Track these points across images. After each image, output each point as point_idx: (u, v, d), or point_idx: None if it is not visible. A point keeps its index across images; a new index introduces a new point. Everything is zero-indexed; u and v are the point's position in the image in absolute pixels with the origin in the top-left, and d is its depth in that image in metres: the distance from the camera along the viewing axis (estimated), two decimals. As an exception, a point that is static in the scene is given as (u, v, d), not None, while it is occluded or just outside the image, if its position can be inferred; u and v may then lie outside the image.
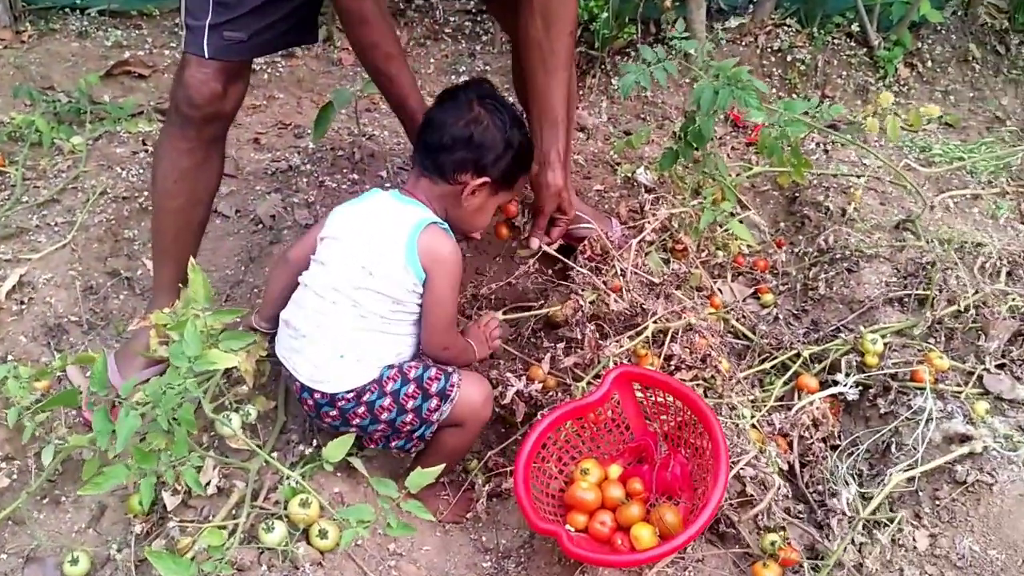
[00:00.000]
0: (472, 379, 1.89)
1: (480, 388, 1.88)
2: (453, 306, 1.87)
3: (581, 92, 3.59)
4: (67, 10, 3.81)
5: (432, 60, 3.80)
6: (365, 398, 1.78)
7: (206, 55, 1.94)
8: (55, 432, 1.99)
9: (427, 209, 1.84)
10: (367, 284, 1.76)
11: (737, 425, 1.94)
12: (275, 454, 1.93)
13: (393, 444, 1.90)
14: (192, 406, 1.63)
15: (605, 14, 3.48)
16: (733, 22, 3.72)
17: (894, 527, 1.78)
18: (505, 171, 1.87)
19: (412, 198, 1.86)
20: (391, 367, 1.81)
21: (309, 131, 3.16)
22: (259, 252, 2.69)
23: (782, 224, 2.85)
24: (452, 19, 3.95)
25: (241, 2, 1.93)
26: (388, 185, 2.88)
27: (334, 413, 1.81)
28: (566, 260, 2.21)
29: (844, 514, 1.79)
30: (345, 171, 3.06)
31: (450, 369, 1.87)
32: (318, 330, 1.78)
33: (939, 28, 3.71)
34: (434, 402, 1.82)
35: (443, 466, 1.67)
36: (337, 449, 1.69)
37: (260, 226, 2.83)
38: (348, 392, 1.78)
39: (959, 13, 3.73)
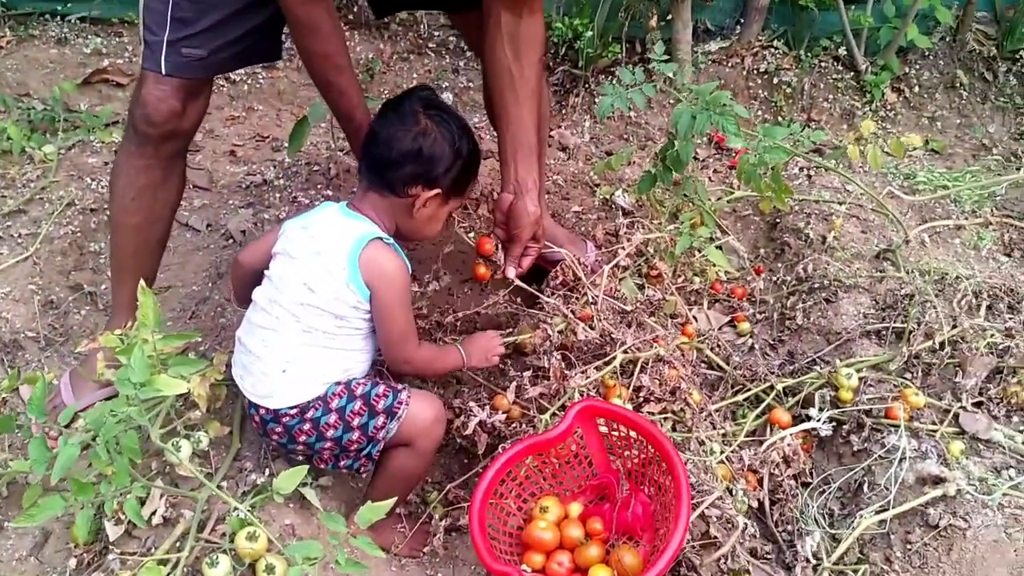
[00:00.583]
0: (422, 397, 1.85)
1: (430, 406, 1.84)
2: (405, 320, 1.82)
3: (564, 111, 3.55)
4: (47, 16, 3.75)
5: (415, 75, 3.75)
6: (309, 415, 1.75)
7: (163, 72, 1.89)
8: (-3, 457, 1.93)
9: (373, 224, 1.80)
10: (309, 300, 1.73)
11: (705, 462, 1.88)
12: (226, 482, 1.87)
13: (342, 463, 1.85)
14: (137, 434, 1.57)
15: (589, 33, 3.44)
16: (714, 46, 3.68)
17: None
18: (455, 180, 1.83)
19: (359, 213, 1.82)
20: (338, 383, 1.78)
21: (286, 144, 3.11)
22: (227, 268, 2.63)
23: (762, 251, 2.80)
24: (436, 34, 3.91)
25: (199, 18, 1.89)
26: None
27: (279, 430, 1.77)
28: (537, 292, 2.16)
29: (808, 561, 1.74)
30: (320, 186, 3.01)
31: (400, 387, 1.83)
32: (262, 345, 1.76)
33: (927, 54, 3.67)
34: (380, 419, 1.78)
35: (394, 500, 1.60)
36: (289, 479, 1.63)
37: (231, 241, 2.79)
38: (291, 408, 1.74)
39: (947, 39, 3.69)
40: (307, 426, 1.75)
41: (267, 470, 1.92)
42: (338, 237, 1.76)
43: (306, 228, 1.81)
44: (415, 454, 1.83)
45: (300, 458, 1.85)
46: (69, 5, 3.73)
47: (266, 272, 1.82)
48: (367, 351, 1.84)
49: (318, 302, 1.73)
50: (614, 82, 2.33)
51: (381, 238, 1.78)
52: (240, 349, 1.83)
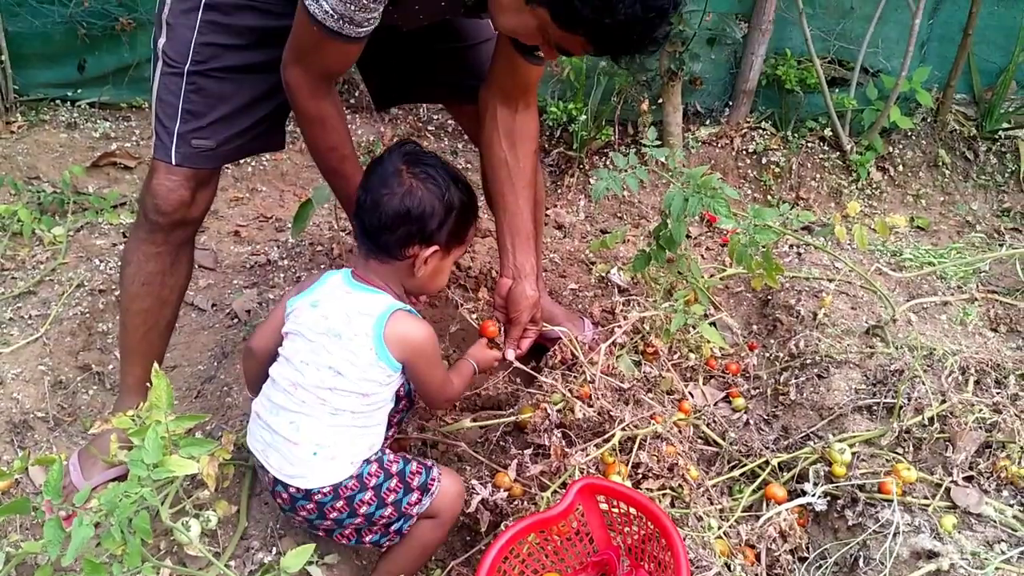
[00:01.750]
0: (448, 472, 1.92)
1: (455, 480, 1.91)
2: (442, 373, 1.87)
3: (559, 191, 3.65)
4: (58, 101, 3.89)
5: (415, 156, 3.85)
6: (345, 493, 1.75)
7: (174, 162, 1.96)
8: (8, 538, 1.95)
9: (383, 294, 1.79)
10: (336, 384, 1.72)
11: (703, 537, 1.92)
12: (234, 562, 1.90)
13: (367, 539, 1.86)
14: (149, 514, 1.60)
15: (583, 116, 3.57)
16: (704, 132, 3.81)
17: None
18: (452, 232, 1.81)
19: (365, 284, 1.80)
20: (369, 462, 1.78)
21: (290, 224, 3.20)
22: (232, 347, 2.69)
23: (755, 327, 2.87)
24: (435, 117, 4.04)
25: (209, 110, 1.97)
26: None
27: (310, 506, 1.76)
28: (535, 371, 2.22)
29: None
30: (323, 266, 3.08)
31: (429, 463, 1.88)
32: (292, 428, 1.74)
33: (909, 134, 3.80)
34: (415, 495, 1.82)
35: None
36: (296, 558, 1.66)
37: (235, 320, 2.84)
38: (325, 487, 1.74)
39: (928, 120, 3.83)
40: (340, 503, 1.76)
41: (274, 549, 1.95)
42: (356, 316, 1.74)
43: (316, 307, 1.79)
44: (440, 526, 1.89)
45: (320, 534, 1.86)
46: (79, 91, 3.88)
47: (280, 351, 1.82)
48: (386, 422, 1.85)
49: (346, 385, 1.72)
50: (608, 166, 2.43)
51: (400, 308, 1.77)
52: (260, 424, 1.81)
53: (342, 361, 1.72)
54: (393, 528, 1.84)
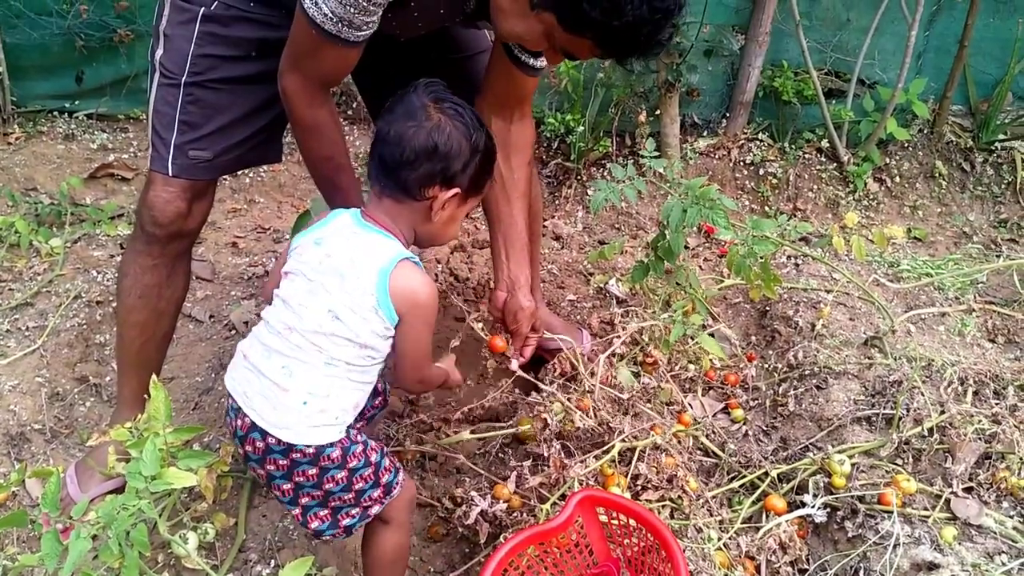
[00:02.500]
0: (407, 477, 1.82)
1: (411, 486, 1.82)
2: (428, 342, 1.74)
3: (557, 202, 3.65)
4: (55, 113, 3.89)
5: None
6: (323, 463, 1.64)
7: (170, 173, 1.96)
8: (5, 551, 1.94)
9: (393, 239, 1.68)
10: (334, 330, 1.61)
11: (703, 549, 1.91)
12: (232, 574, 1.89)
13: (312, 522, 1.71)
14: (146, 527, 1.60)
15: (581, 128, 3.57)
16: (701, 143, 3.82)
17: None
18: (474, 178, 1.70)
19: (375, 224, 1.69)
20: (353, 441, 1.68)
21: (287, 236, 3.20)
22: (230, 359, 2.67)
23: (753, 338, 2.87)
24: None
25: (206, 121, 1.96)
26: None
27: (283, 463, 1.63)
28: (537, 381, 2.22)
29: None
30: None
31: (399, 465, 1.80)
32: (282, 372, 1.61)
33: (906, 145, 3.82)
34: (378, 492, 1.72)
35: None
36: (294, 571, 1.65)
37: (233, 332, 2.84)
38: (308, 447, 1.62)
39: (925, 131, 3.84)
40: (313, 471, 1.64)
41: (272, 561, 1.94)
42: (361, 258, 1.64)
43: (320, 244, 1.68)
44: (399, 529, 1.80)
45: (272, 490, 1.73)
46: (77, 102, 3.88)
47: (277, 292, 1.70)
48: (373, 383, 1.75)
49: (344, 332, 1.61)
50: (606, 177, 2.43)
51: (408, 258, 1.67)
52: (246, 366, 1.68)
53: (341, 305, 1.62)
54: (344, 523, 1.72)
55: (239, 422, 1.66)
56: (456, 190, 1.67)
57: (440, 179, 1.65)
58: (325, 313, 1.61)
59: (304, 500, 1.69)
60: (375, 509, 1.73)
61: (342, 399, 1.66)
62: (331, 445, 1.64)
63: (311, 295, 1.63)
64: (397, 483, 1.76)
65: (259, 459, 1.66)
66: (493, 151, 1.76)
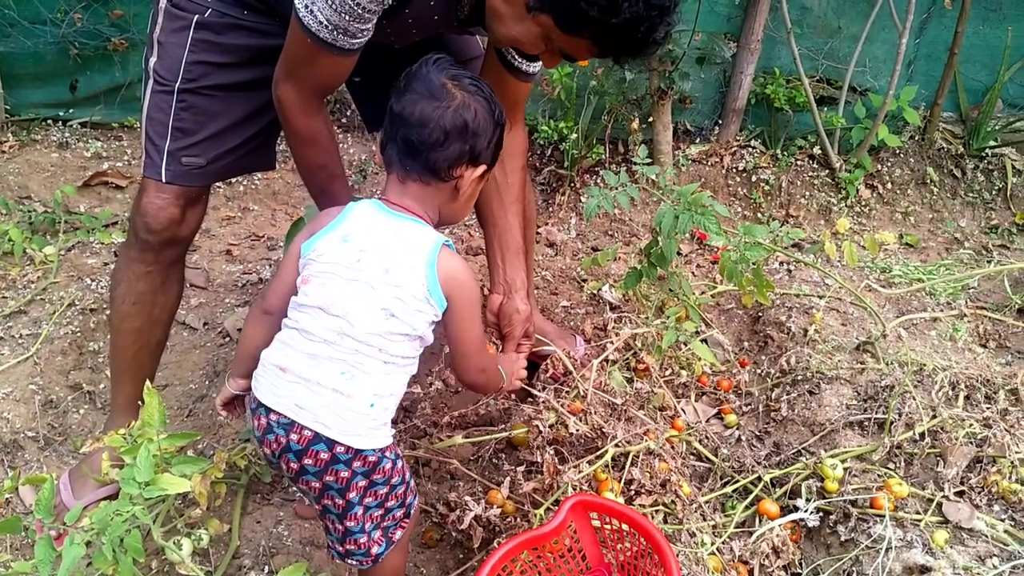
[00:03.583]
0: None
1: (418, 507, 1.80)
2: (480, 328, 1.71)
3: (551, 209, 3.66)
4: (49, 121, 3.89)
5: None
6: (375, 476, 1.59)
7: (164, 180, 1.97)
8: (-1, 557, 1.94)
9: (426, 225, 1.65)
10: (390, 327, 1.56)
11: (696, 554, 1.92)
12: (225, 581, 1.89)
13: (341, 546, 1.64)
14: (140, 533, 1.60)
15: (574, 135, 3.59)
16: (694, 150, 3.83)
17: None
18: (495, 152, 1.68)
19: (403, 211, 1.63)
20: (400, 458, 1.65)
21: (282, 243, 3.20)
22: (224, 366, 2.68)
23: (746, 343, 2.88)
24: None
25: (199, 128, 1.97)
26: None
27: (345, 474, 1.56)
28: (530, 388, 2.22)
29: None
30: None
31: (414, 484, 1.76)
32: (342, 378, 1.54)
33: (897, 152, 3.83)
34: (400, 512, 1.69)
35: None
36: (288, 577, 1.66)
37: (227, 339, 2.84)
38: (371, 453, 1.56)
39: (916, 138, 3.86)
40: (361, 481, 1.58)
41: (266, 567, 1.94)
42: (401, 249, 1.60)
43: (348, 240, 1.61)
44: (400, 551, 1.76)
45: (317, 506, 1.64)
46: (71, 111, 3.87)
47: (304, 300, 1.60)
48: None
49: (399, 328, 1.57)
50: (599, 184, 2.44)
51: (446, 243, 1.64)
52: (291, 380, 1.56)
53: (391, 299, 1.56)
54: (374, 552, 1.65)
55: (294, 436, 1.55)
56: (483, 167, 1.65)
57: (468, 157, 1.62)
58: (378, 312, 1.56)
59: (326, 503, 1.60)
60: (399, 535, 1.69)
61: (398, 394, 1.64)
62: (384, 455, 1.59)
63: (358, 297, 1.56)
64: (415, 507, 1.74)
65: (319, 471, 1.56)
66: (505, 124, 1.72)
